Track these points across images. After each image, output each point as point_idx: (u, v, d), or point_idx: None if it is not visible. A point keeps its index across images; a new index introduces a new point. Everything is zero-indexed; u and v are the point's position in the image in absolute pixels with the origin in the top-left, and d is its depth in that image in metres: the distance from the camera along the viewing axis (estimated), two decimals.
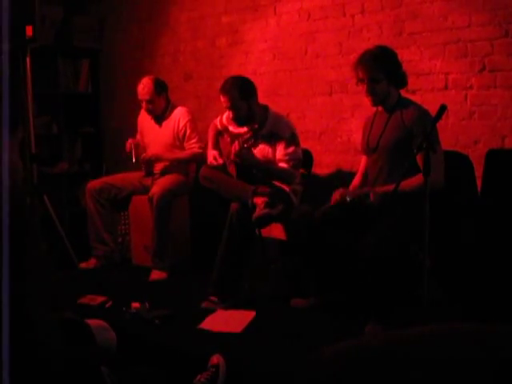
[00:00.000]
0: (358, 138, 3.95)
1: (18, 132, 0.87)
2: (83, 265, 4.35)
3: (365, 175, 3.37)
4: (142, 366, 2.35)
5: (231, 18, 4.78)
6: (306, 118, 4.36)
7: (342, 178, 4.09)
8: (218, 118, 3.96)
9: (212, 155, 3.76)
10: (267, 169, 3.65)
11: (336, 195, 3.12)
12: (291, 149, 3.62)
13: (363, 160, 3.40)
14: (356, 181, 3.38)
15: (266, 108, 3.74)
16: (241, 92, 3.59)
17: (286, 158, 3.62)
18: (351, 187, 3.32)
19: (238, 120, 3.67)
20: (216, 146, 3.87)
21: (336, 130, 4.27)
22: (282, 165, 3.63)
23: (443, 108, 2.48)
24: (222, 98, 3.62)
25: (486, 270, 3.04)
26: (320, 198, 3.49)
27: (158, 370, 2.46)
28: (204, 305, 3.45)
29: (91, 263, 4.36)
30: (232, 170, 3.63)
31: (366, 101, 3.94)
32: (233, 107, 3.61)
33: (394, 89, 3.11)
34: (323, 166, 4.31)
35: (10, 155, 0.86)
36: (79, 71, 5.55)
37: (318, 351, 1.09)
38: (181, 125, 4.31)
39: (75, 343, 0.89)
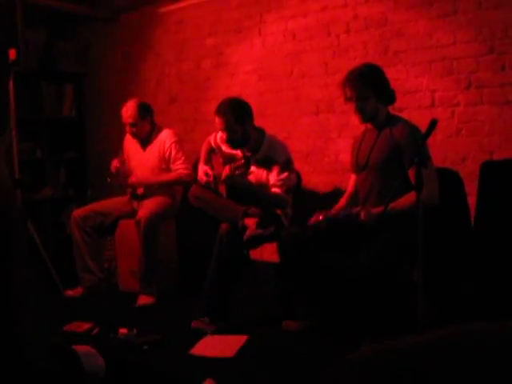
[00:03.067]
0: (346, 157, 3.93)
1: (3, 138, 0.81)
2: (70, 293, 4.24)
3: (353, 194, 3.32)
4: None
5: (216, 39, 4.75)
6: (292, 138, 4.32)
7: (329, 198, 4.04)
8: (213, 135, 3.89)
9: (203, 170, 3.68)
10: (259, 194, 3.58)
11: (316, 217, 3.05)
12: (285, 174, 3.54)
13: (352, 179, 3.36)
14: (343, 201, 3.33)
15: (262, 132, 3.68)
16: (236, 115, 3.52)
17: (280, 183, 3.54)
18: (337, 206, 3.27)
19: (232, 143, 3.59)
20: (208, 162, 3.80)
21: (323, 150, 4.24)
22: (275, 190, 3.55)
23: (434, 122, 2.44)
24: (217, 120, 3.55)
25: (480, 287, 2.99)
26: (307, 218, 3.43)
27: None
28: (194, 325, 3.36)
29: (78, 291, 4.25)
30: (222, 189, 3.57)
31: (353, 120, 3.92)
32: (228, 130, 3.53)
33: (383, 106, 3.09)
34: (311, 186, 4.26)
35: None
36: (63, 95, 5.48)
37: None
38: (166, 146, 4.25)
39: (63, 369, 0.83)
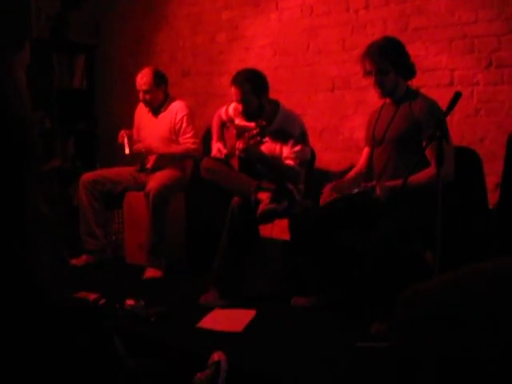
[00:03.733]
0: (361, 134, 3.87)
1: (21, 56, 0.76)
2: (74, 261, 4.20)
3: (366, 168, 3.27)
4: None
5: (232, 13, 4.67)
6: (307, 115, 4.24)
7: (342, 175, 3.97)
8: (224, 108, 3.82)
9: (216, 148, 3.65)
10: (273, 165, 3.53)
11: (327, 189, 3.00)
12: (299, 147, 3.50)
13: (364, 152, 3.31)
14: (352, 172, 3.28)
15: (276, 104, 3.63)
16: (253, 86, 3.47)
17: (293, 155, 3.50)
18: (347, 176, 3.22)
19: (248, 114, 3.54)
20: (221, 138, 3.75)
21: (338, 127, 4.17)
22: (289, 162, 3.51)
23: (458, 95, 2.38)
24: (234, 90, 3.49)
25: None
26: (320, 195, 3.37)
27: (158, 362, 2.33)
28: (203, 299, 3.32)
29: (82, 260, 4.21)
30: (234, 163, 3.52)
31: (370, 97, 3.90)
32: (244, 101, 3.48)
33: (402, 80, 3.03)
34: (324, 164, 4.20)
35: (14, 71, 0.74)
36: (74, 66, 5.42)
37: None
38: (177, 118, 4.19)
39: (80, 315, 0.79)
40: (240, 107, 3.52)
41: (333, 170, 4.17)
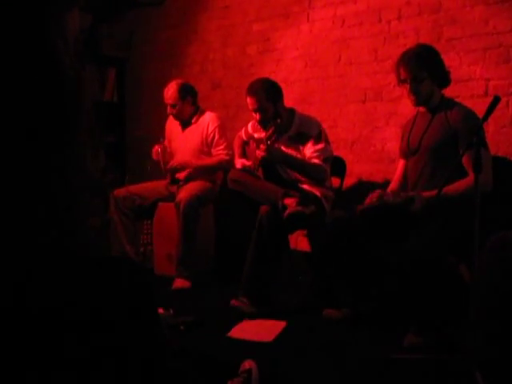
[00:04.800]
0: (392, 146, 3.84)
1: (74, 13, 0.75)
2: None
3: (402, 181, 3.22)
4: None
5: (263, 25, 4.69)
6: (337, 126, 4.23)
7: (374, 187, 3.93)
8: (243, 129, 3.93)
9: (240, 163, 3.72)
10: (297, 163, 3.56)
11: (372, 197, 2.96)
12: (321, 145, 3.54)
13: (400, 164, 3.26)
14: (393, 185, 3.23)
15: (292, 110, 3.69)
16: (268, 94, 3.54)
17: (316, 154, 3.53)
18: (389, 190, 3.17)
19: (265, 123, 3.59)
20: (243, 156, 3.85)
21: (369, 139, 4.14)
22: (314, 161, 3.54)
23: (497, 99, 2.33)
24: (249, 100, 3.56)
25: None
26: (352, 208, 3.34)
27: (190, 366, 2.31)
28: (233, 303, 3.31)
29: None
30: (260, 174, 3.55)
31: (401, 108, 3.87)
32: (260, 109, 3.54)
33: (437, 88, 2.99)
34: (355, 176, 4.17)
35: None
36: (105, 79, 5.49)
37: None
38: (210, 130, 4.21)
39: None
40: (257, 116, 3.57)
41: (364, 181, 4.13)
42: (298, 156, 3.58)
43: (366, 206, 2.96)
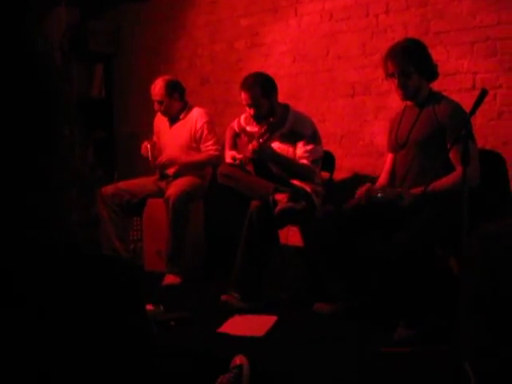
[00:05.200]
0: (381, 140, 3.85)
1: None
2: None
3: (391, 174, 3.23)
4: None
5: (251, 20, 4.69)
6: (326, 121, 4.24)
7: (363, 181, 3.94)
8: (236, 121, 3.90)
9: (230, 155, 3.69)
10: (286, 163, 3.57)
11: (361, 191, 2.97)
12: (311, 146, 3.55)
13: (388, 158, 3.27)
14: (382, 179, 3.24)
15: (286, 107, 3.68)
16: (263, 89, 3.53)
17: (306, 154, 3.55)
18: (378, 184, 3.18)
19: (259, 118, 3.59)
20: (233, 147, 3.81)
21: (358, 133, 4.16)
22: (303, 161, 3.56)
23: (484, 92, 2.34)
24: (244, 95, 3.55)
25: None
26: (341, 202, 3.36)
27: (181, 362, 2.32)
28: (223, 298, 3.32)
29: None
30: (250, 168, 3.54)
31: (390, 102, 3.89)
32: (254, 105, 3.54)
33: (425, 82, 3.00)
34: (344, 171, 4.18)
35: None
36: (93, 75, 5.47)
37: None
38: (198, 126, 4.20)
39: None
40: (251, 111, 3.56)
41: (353, 175, 4.15)
42: (290, 155, 3.58)
43: (353, 205, 2.97)
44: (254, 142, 3.47)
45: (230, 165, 3.60)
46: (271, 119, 3.54)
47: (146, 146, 4.26)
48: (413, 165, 3.00)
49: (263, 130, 3.50)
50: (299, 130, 3.56)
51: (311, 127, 3.59)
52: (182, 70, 5.17)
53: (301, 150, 3.54)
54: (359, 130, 4.15)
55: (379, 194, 2.89)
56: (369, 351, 2.68)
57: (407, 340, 2.72)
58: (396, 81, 2.96)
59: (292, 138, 3.58)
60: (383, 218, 2.99)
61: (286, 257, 3.94)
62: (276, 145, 3.61)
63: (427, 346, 2.64)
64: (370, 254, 3.10)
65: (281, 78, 4.43)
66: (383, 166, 3.33)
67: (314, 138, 3.57)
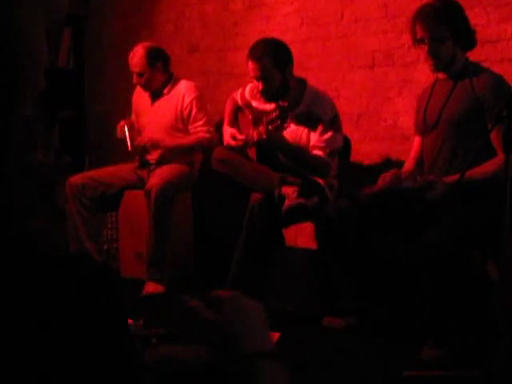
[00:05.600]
0: (406, 120, 3.85)
1: None
2: None
3: (418, 162, 3.23)
4: None
5: None
6: (340, 97, 4.23)
7: (386, 170, 3.96)
8: (239, 91, 3.84)
9: (229, 133, 3.64)
10: (297, 155, 3.55)
11: (386, 177, 2.97)
12: (329, 134, 3.52)
13: (416, 142, 3.28)
14: (407, 168, 3.24)
15: (303, 82, 3.66)
16: (275, 59, 3.49)
17: (322, 144, 3.51)
18: (405, 170, 3.18)
19: (269, 94, 3.56)
20: (234, 124, 3.75)
21: (379, 112, 4.16)
22: (316, 152, 3.52)
23: None
24: (251, 66, 3.52)
25: None
26: (357, 196, 3.36)
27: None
28: None
29: None
30: (252, 154, 3.51)
31: (417, 75, 3.88)
32: (264, 78, 3.50)
33: (461, 51, 3.01)
34: (361, 157, 4.18)
35: None
36: (59, 42, 5.46)
37: None
38: (185, 102, 4.19)
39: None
40: (260, 86, 3.53)
41: (372, 163, 4.14)
42: (302, 141, 3.55)
43: (374, 190, 2.97)
44: (262, 128, 3.40)
45: (228, 148, 3.57)
46: (285, 104, 3.47)
47: (123, 127, 4.26)
48: (444, 149, 3.02)
49: (274, 116, 3.41)
50: (317, 112, 3.53)
51: (332, 110, 3.57)
52: (167, 35, 5.18)
53: (316, 138, 3.51)
54: (380, 109, 4.15)
55: (407, 183, 2.88)
56: (388, 375, 2.70)
57: (435, 362, 2.73)
58: (426, 48, 2.97)
59: (307, 121, 3.55)
60: (408, 211, 2.99)
61: (293, 261, 3.94)
62: (291, 128, 3.54)
63: (459, 369, 2.64)
64: (390, 256, 3.11)
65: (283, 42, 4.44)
66: (409, 152, 3.34)
67: (333, 123, 3.54)
